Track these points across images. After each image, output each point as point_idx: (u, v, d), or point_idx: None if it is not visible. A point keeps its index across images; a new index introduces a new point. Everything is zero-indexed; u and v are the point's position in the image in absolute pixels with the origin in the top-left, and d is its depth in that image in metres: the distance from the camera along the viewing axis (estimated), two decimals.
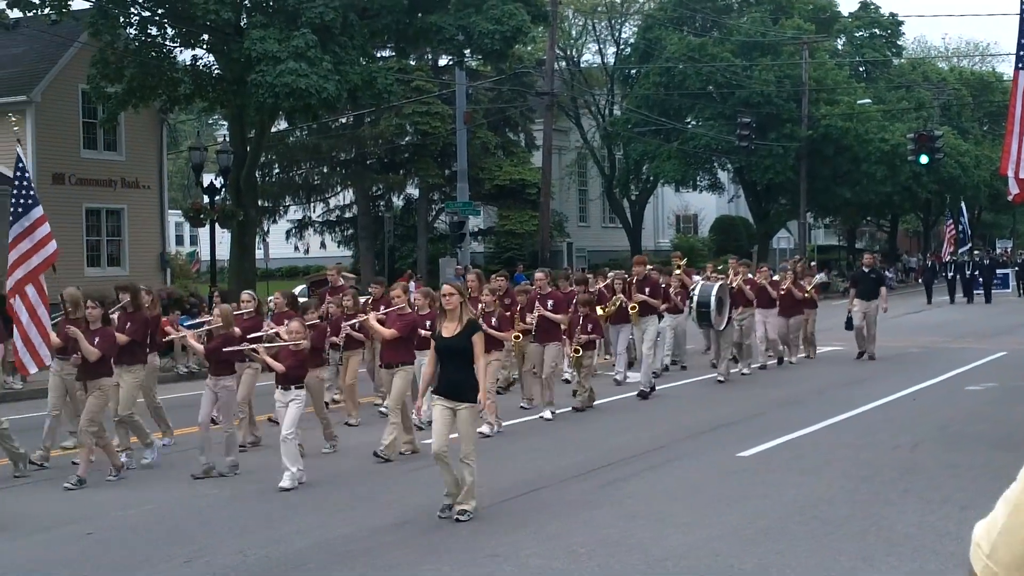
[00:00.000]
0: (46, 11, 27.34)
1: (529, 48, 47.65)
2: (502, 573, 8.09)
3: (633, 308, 17.70)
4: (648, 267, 18.76)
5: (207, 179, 29.99)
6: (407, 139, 46.47)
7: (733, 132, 47.38)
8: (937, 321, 34.24)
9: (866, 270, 23.76)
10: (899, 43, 62.00)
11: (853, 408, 15.83)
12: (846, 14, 60.60)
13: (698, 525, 9.25)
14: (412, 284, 21.18)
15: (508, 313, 15.72)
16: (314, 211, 50.59)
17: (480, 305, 14.19)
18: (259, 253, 38.57)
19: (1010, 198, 13.83)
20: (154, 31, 30.06)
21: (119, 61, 28.44)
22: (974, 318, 35.27)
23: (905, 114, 55.28)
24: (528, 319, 15.60)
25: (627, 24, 56.56)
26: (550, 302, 15.62)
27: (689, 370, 21.16)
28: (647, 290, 17.97)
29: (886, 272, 55.16)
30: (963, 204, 48.53)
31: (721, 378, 19.02)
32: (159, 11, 29.76)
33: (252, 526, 9.60)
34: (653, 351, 17.89)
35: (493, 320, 14.13)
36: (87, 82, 29.83)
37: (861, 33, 60.22)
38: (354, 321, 15.21)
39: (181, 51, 31.27)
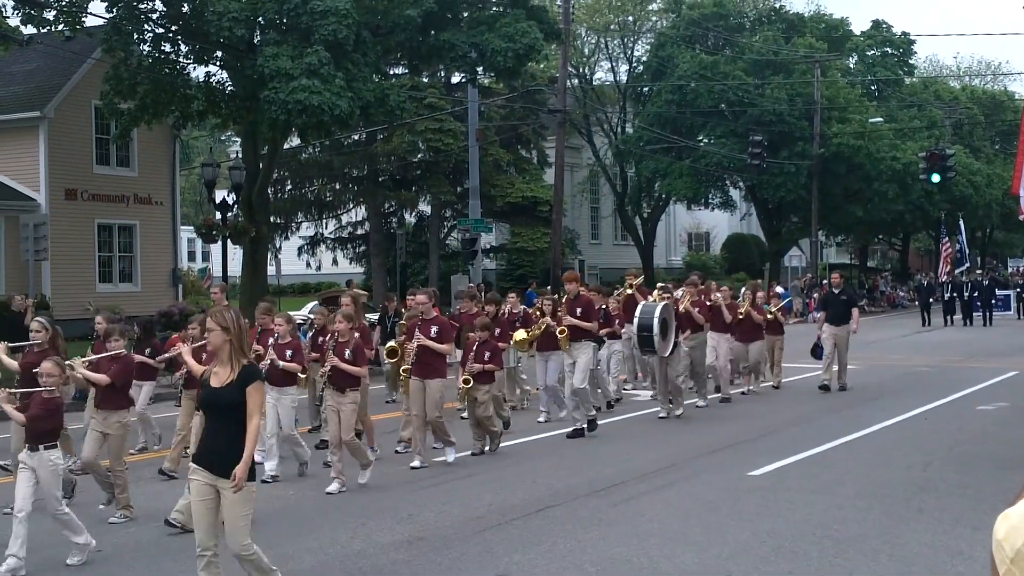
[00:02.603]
0: (60, 27, 27.51)
1: (541, 66, 47.72)
2: None
3: (562, 332, 15.23)
4: (582, 287, 16.36)
5: (219, 195, 30.07)
6: (419, 156, 46.54)
7: (745, 150, 47.38)
8: (939, 340, 34.12)
9: (836, 291, 21.17)
10: (911, 62, 62.03)
11: (864, 427, 15.76)
12: (858, 33, 60.66)
13: (710, 544, 9.20)
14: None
15: (495, 336, 14.61)
16: (326, 228, 50.65)
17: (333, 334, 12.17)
18: (271, 269, 38.63)
19: (1021, 218, 13.84)
20: (168, 48, 30.18)
21: (132, 77, 28.55)
22: (978, 338, 35.11)
23: (917, 133, 55.27)
24: (409, 346, 12.91)
25: (639, 42, 56.69)
26: (434, 328, 12.90)
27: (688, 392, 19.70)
28: (579, 311, 15.32)
29: (894, 288, 55.19)
30: (961, 222, 46.97)
31: (663, 413, 16.92)
32: (173, 28, 29.88)
33: (261, 543, 9.54)
34: (585, 382, 15.21)
35: (347, 352, 11.84)
36: (100, 98, 29.98)
37: (873, 52, 60.24)
38: (165, 356, 13.65)
39: (194, 68, 31.37)
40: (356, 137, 46.03)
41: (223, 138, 57.06)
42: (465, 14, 31.55)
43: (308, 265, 50.96)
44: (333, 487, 11.62)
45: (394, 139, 44.60)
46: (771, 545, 9.12)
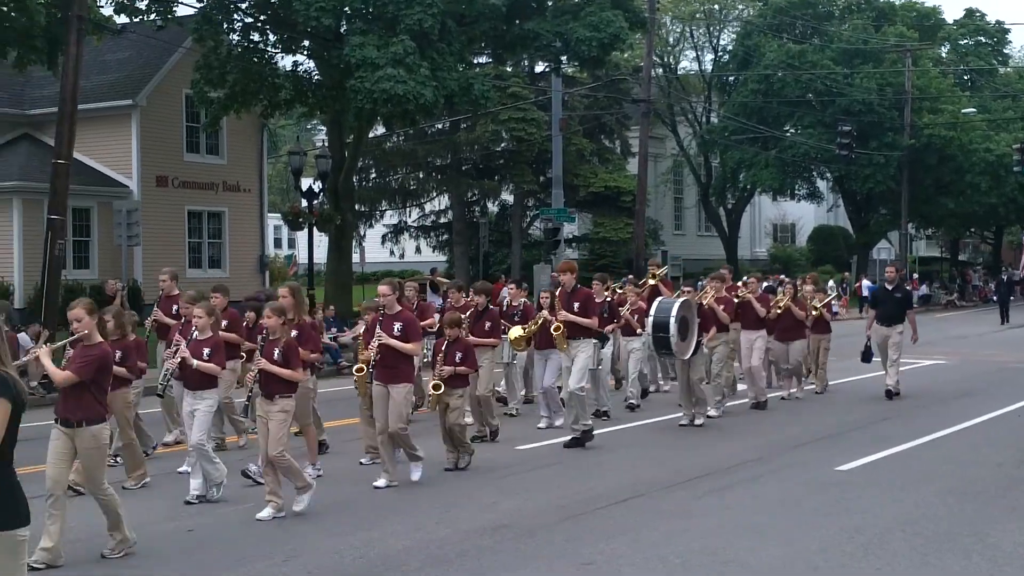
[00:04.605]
0: (152, 17, 27.98)
1: (626, 55, 47.51)
2: None
3: (556, 329, 13.54)
4: (573, 278, 14.07)
5: (306, 183, 30.36)
6: (503, 145, 46.58)
7: (833, 140, 46.70)
8: None
9: (889, 287, 18.54)
10: (1005, 51, 60.64)
11: (956, 424, 15.44)
12: (950, 21, 59.49)
13: (797, 538, 9.09)
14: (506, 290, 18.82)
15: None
16: (410, 216, 50.95)
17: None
18: (355, 257, 38.95)
19: None
20: (256, 37, 30.61)
21: (222, 66, 28.99)
22: None
23: (1011, 124, 53.95)
24: (367, 350, 11.35)
25: (725, 31, 56.18)
26: (397, 325, 11.16)
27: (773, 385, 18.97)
28: (576, 306, 13.55)
29: (944, 289, 53.53)
30: None
31: (686, 421, 15.23)
32: (261, 17, 30.27)
33: (348, 527, 9.66)
34: (583, 383, 13.67)
35: (276, 352, 10.16)
36: (191, 87, 30.47)
37: (966, 41, 59.04)
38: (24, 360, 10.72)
39: (282, 57, 31.78)
40: (440, 126, 46.22)
41: (310, 127, 57.71)
42: (550, 3, 31.53)
43: (392, 253, 51.31)
44: (265, 512, 9.87)
45: (478, 128, 44.70)
46: (859, 541, 8.98)
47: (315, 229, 30.09)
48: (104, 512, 8.67)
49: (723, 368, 16.44)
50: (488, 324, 14.31)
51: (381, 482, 11.14)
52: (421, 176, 49.08)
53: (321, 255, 34.04)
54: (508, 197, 49.25)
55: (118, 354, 10.86)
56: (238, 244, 36.06)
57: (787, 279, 27.01)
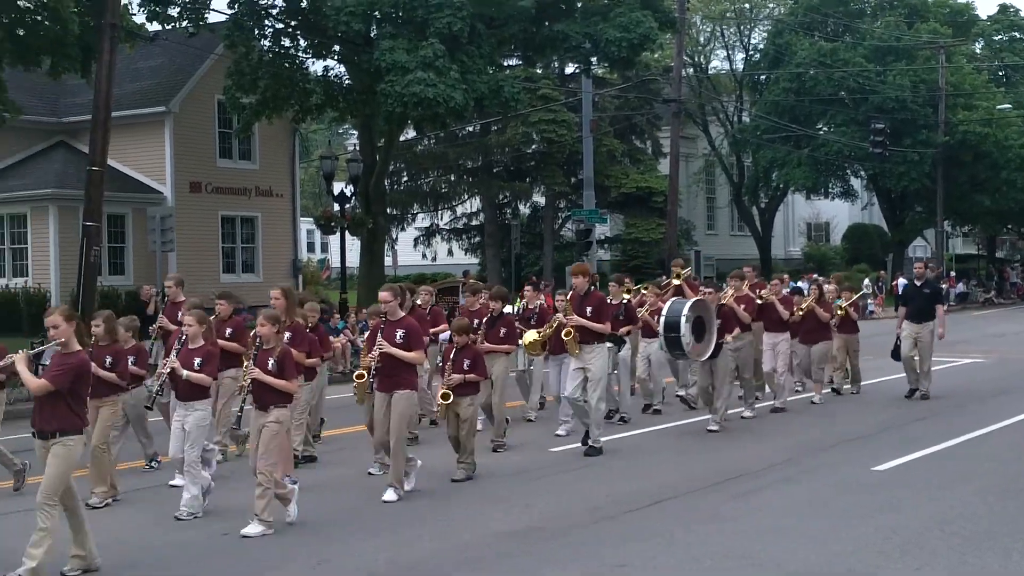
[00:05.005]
0: (183, 24, 28.16)
1: (656, 55, 47.35)
2: None
3: (568, 334, 13.05)
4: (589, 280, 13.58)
5: (337, 187, 30.54)
6: (533, 147, 46.55)
7: (866, 138, 46.39)
8: None
9: (918, 283, 18.17)
10: None
11: (994, 423, 15.25)
12: (984, 17, 58.93)
13: (832, 540, 9.01)
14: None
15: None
16: (441, 219, 50.99)
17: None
18: (388, 260, 39.06)
19: None
20: (287, 43, 30.77)
21: (253, 72, 29.16)
22: None
23: None
24: (368, 357, 10.93)
25: (756, 30, 55.94)
26: (399, 332, 10.85)
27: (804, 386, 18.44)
28: (588, 310, 13.06)
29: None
30: None
31: (715, 427, 14.73)
32: (292, 23, 30.42)
33: (378, 532, 9.67)
34: (604, 400, 13.39)
35: (270, 362, 9.82)
36: (223, 93, 30.66)
37: (1000, 36, 58.46)
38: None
39: (313, 62, 31.98)
40: (471, 129, 46.25)
41: (341, 131, 57.85)
42: (579, 4, 31.48)
43: (424, 256, 51.37)
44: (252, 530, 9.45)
45: (508, 130, 44.70)
46: (896, 541, 8.89)
47: (347, 233, 30.20)
48: (38, 528, 7.98)
49: (745, 370, 16.11)
50: (503, 330, 13.84)
51: (391, 495, 10.77)
52: (452, 179, 49.12)
53: (354, 259, 34.15)
54: (540, 199, 49.22)
55: (108, 359, 10.69)
56: (271, 249, 36.22)
57: (820, 278, 26.77)
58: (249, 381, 9.75)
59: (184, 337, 10.40)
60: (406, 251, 51.56)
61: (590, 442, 13.14)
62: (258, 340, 9.92)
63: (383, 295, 10.94)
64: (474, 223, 50.47)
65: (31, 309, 27.15)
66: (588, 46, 30.64)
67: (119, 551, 8.96)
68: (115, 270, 31.67)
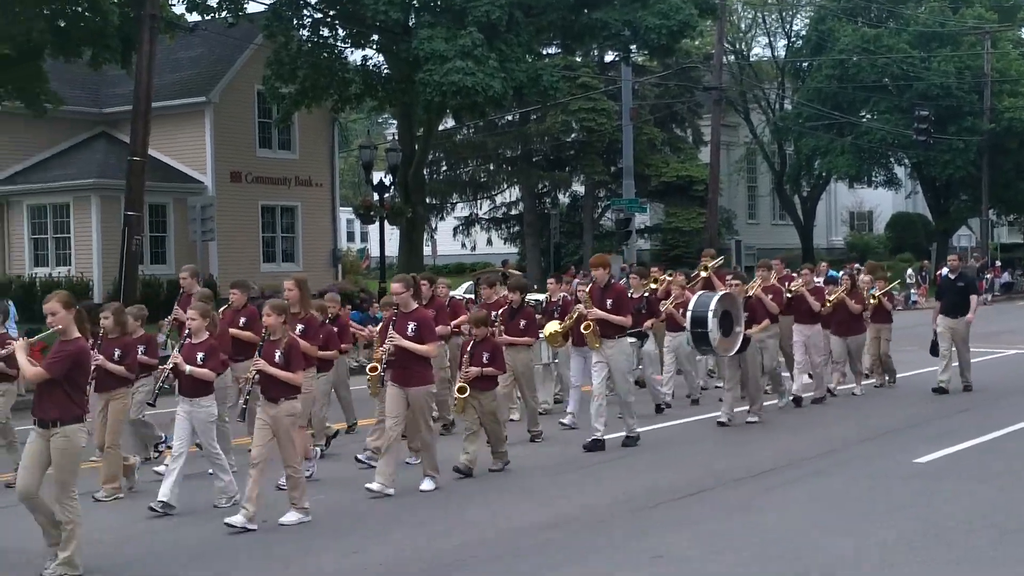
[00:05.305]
0: (223, 14, 28.27)
1: (697, 42, 47.07)
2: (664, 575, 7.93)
3: (587, 327, 12.65)
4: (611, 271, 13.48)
5: (377, 177, 30.56)
6: (573, 136, 46.44)
7: (910, 126, 45.87)
8: None
9: (952, 276, 17.68)
10: None
11: None
12: None
13: (871, 531, 8.90)
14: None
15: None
16: (481, 208, 51.00)
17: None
18: (427, 250, 39.10)
19: None
20: (326, 32, 30.85)
21: (293, 62, 29.24)
22: None
23: None
24: (380, 350, 10.70)
25: (798, 16, 55.40)
26: (411, 324, 10.55)
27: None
28: (609, 303, 12.62)
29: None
30: None
31: (754, 418, 14.52)
32: (331, 12, 30.47)
33: (412, 521, 9.66)
34: (632, 393, 13.14)
35: (277, 354, 9.55)
36: (262, 83, 30.77)
37: None
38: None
39: (351, 51, 32.00)
40: (510, 118, 46.20)
41: (380, 120, 57.93)
42: None
43: (463, 245, 51.41)
44: (236, 518, 9.24)
45: (547, 119, 44.60)
46: (935, 534, 8.78)
47: (386, 222, 30.24)
48: (54, 521, 7.95)
49: (771, 361, 15.86)
50: (523, 322, 13.58)
51: (429, 484, 10.69)
52: (491, 168, 49.10)
53: (393, 248, 34.18)
54: (579, 188, 49.09)
55: (117, 352, 10.54)
56: (311, 238, 36.34)
57: (858, 266, 26.53)
58: (255, 372, 9.52)
59: (188, 331, 10.20)
60: (445, 240, 51.61)
61: (626, 431, 13.00)
62: (264, 331, 9.70)
63: (395, 286, 10.69)
64: (513, 212, 50.43)
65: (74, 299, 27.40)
66: (627, 33, 30.48)
67: (138, 544, 8.99)
68: (156, 259, 31.90)
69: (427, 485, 10.64)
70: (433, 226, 47.91)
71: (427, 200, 39.54)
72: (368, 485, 10.39)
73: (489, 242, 51.36)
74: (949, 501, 9.97)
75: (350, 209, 45.31)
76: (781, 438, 13.62)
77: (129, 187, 22.66)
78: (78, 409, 8.01)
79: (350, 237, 60.51)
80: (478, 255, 51.79)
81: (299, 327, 10.81)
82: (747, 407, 14.77)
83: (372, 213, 30.29)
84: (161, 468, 10.90)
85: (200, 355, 9.94)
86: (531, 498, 10.50)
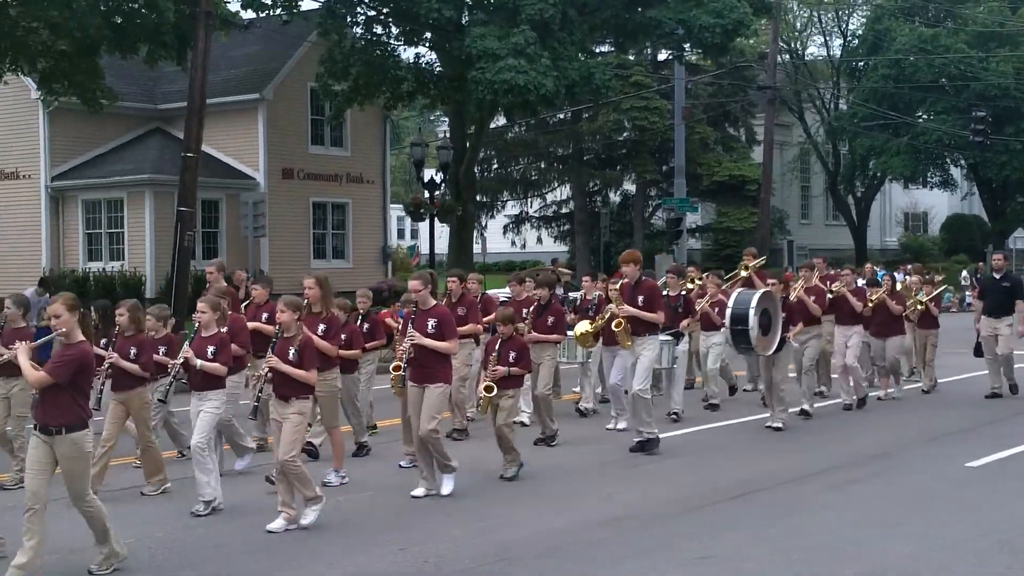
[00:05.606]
0: (277, 11, 28.44)
1: (751, 41, 46.75)
2: None
3: (618, 325, 12.28)
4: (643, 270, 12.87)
5: (428, 174, 30.61)
6: (624, 135, 46.29)
7: (967, 126, 45.25)
8: None
9: (996, 276, 17.36)
10: None
11: None
12: None
13: (925, 535, 8.76)
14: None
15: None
16: (531, 206, 50.96)
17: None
18: (477, 248, 39.11)
19: None
20: (379, 30, 30.94)
21: (346, 60, 29.37)
22: None
23: None
24: (400, 348, 10.51)
25: (855, 15, 54.87)
26: (431, 322, 10.30)
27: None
28: (640, 300, 12.27)
29: None
30: None
31: (778, 424, 14.06)
32: (384, 10, 30.56)
33: (468, 517, 9.63)
34: (647, 384, 12.42)
35: (291, 351, 9.32)
36: (315, 80, 30.92)
37: None
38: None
39: (404, 49, 32.08)
40: (561, 116, 46.13)
41: (432, 118, 58.08)
42: None
43: (513, 243, 51.41)
44: (276, 524, 9.15)
45: (599, 118, 44.48)
46: (991, 539, 8.62)
47: (437, 220, 30.28)
48: (90, 525, 7.90)
49: (814, 365, 15.56)
50: (551, 319, 13.37)
51: (419, 491, 10.34)
52: (543, 166, 49.06)
53: (443, 246, 34.22)
54: (630, 187, 48.91)
55: (132, 350, 10.37)
56: (361, 235, 36.45)
57: (910, 267, 26.20)
58: (267, 370, 9.32)
59: (198, 325, 10.01)
60: (495, 238, 51.61)
61: (637, 433, 12.56)
62: (278, 328, 9.50)
63: (412, 283, 10.42)
64: (564, 211, 50.36)
65: (127, 293, 27.63)
66: (681, 32, 30.31)
67: (157, 543, 9.02)
68: (208, 254, 32.06)
69: (419, 491, 10.27)
70: (483, 224, 47.95)
71: (477, 198, 39.57)
72: (413, 492, 10.34)
73: (539, 240, 51.32)
74: (1004, 504, 9.82)
75: (401, 206, 45.44)
76: (830, 441, 13.46)
77: (182, 183, 22.83)
78: (83, 414, 7.79)
79: (400, 234, 60.68)
80: (528, 253, 51.75)
81: (321, 327, 10.68)
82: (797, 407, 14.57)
83: (422, 210, 30.34)
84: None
85: (211, 348, 9.80)
86: (583, 496, 10.44)
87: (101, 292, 27.81)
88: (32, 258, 32.10)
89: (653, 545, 8.62)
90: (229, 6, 29.62)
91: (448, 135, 34.99)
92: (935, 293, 17.91)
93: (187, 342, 9.91)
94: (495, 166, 48.95)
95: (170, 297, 22.15)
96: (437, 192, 29.83)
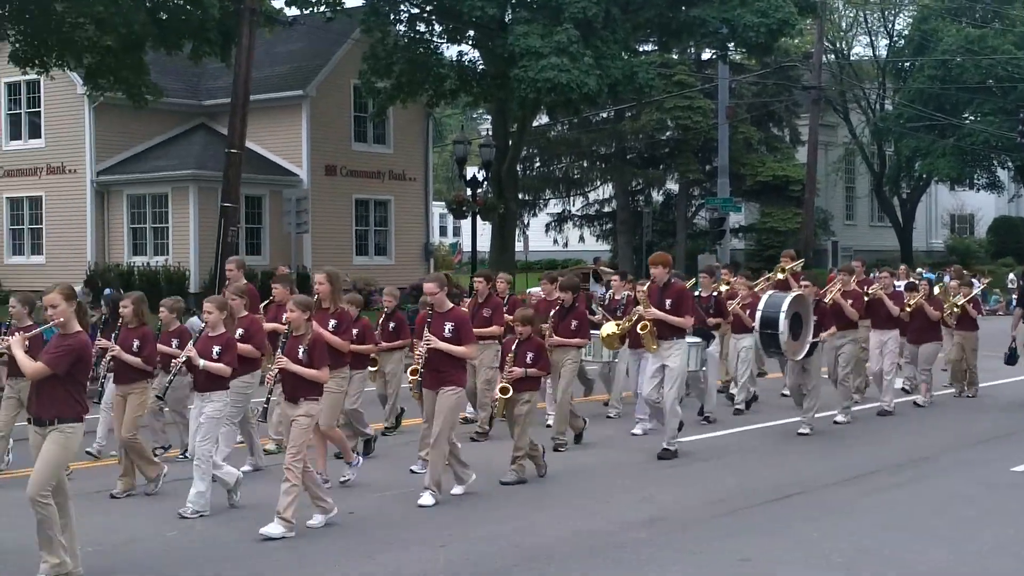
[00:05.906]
0: (321, 9, 28.58)
1: (796, 41, 46.35)
2: None
3: (644, 328, 12.00)
4: (670, 272, 12.31)
5: (470, 172, 30.62)
6: (668, 134, 46.11)
7: (1014, 128, 44.78)
8: None
9: None
10: None
11: None
12: None
13: (965, 539, 8.66)
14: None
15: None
16: (573, 205, 50.88)
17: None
18: (519, 246, 39.08)
19: None
20: (422, 28, 31.02)
21: (389, 57, 29.46)
22: None
23: None
24: (418, 351, 10.21)
25: (901, 15, 54.34)
26: (448, 325, 10.03)
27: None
28: (668, 303, 11.92)
29: None
30: None
31: (806, 430, 13.73)
32: (427, 8, 30.63)
33: (503, 516, 9.63)
34: (679, 398, 12.21)
35: (301, 350, 9.03)
36: (358, 77, 31.04)
37: None
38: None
39: (447, 47, 32.15)
40: (604, 115, 46.04)
41: (475, 116, 58.18)
42: None
43: (555, 242, 51.34)
44: (315, 520, 9.13)
45: (642, 117, 44.33)
46: None
47: (479, 217, 30.32)
48: (37, 529, 7.39)
49: (852, 369, 15.17)
50: (574, 323, 12.81)
51: (458, 489, 10.31)
52: (585, 165, 48.96)
53: (485, 243, 34.24)
54: (673, 186, 48.70)
55: (135, 342, 10.25)
56: (403, 232, 36.57)
57: (955, 268, 25.98)
58: (277, 371, 9.08)
59: (204, 325, 9.80)
60: (537, 237, 51.55)
61: (664, 444, 12.17)
62: (287, 327, 9.19)
63: (428, 286, 10.14)
64: (606, 210, 50.23)
65: (171, 287, 27.87)
66: (725, 31, 30.15)
67: (160, 545, 9.06)
68: (252, 250, 32.33)
69: (426, 500, 9.90)
70: (525, 222, 47.88)
71: (520, 196, 39.56)
72: (453, 491, 10.29)
73: (581, 239, 51.23)
74: None
75: (443, 204, 45.54)
76: (870, 445, 13.31)
77: (226, 179, 23.05)
78: (78, 406, 7.53)
79: (442, 232, 60.85)
80: (570, 252, 51.69)
81: (331, 322, 10.48)
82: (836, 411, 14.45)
83: (464, 208, 30.39)
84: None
85: (216, 348, 9.57)
86: (620, 496, 10.40)
87: (146, 286, 28.05)
88: (78, 252, 32.45)
89: (690, 547, 8.56)
90: (273, 3, 29.85)
91: (491, 133, 35.00)
92: (972, 294, 17.57)
93: (191, 342, 9.76)
94: (537, 164, 48.91)
95: (214, 292, 22.31)
96: (479, 190, 29.86)
